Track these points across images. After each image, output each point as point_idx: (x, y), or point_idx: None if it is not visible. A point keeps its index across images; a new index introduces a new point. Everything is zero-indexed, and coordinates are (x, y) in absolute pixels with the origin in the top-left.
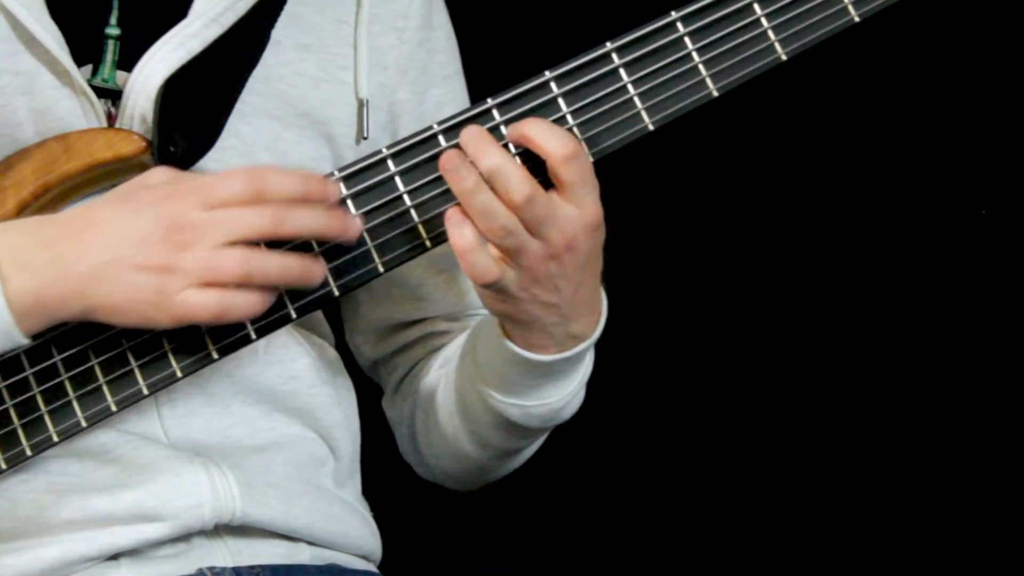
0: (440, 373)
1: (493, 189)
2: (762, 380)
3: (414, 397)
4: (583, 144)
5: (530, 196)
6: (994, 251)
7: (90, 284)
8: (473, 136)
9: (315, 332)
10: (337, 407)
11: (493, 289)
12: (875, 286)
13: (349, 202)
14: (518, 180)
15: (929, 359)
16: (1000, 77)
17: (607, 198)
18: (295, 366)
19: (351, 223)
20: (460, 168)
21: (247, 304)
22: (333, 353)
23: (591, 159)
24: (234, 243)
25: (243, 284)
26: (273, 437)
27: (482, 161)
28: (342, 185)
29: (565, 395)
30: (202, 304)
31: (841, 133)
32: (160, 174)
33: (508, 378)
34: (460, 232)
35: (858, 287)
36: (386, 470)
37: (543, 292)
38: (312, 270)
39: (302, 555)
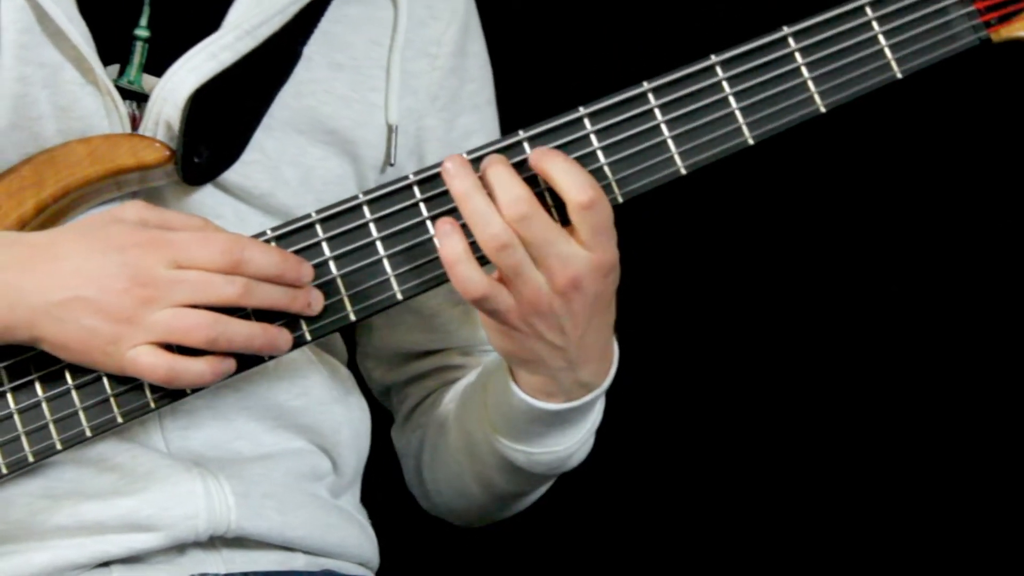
0: (451, 408)
1: (494, 201)
2: (763, 381)
3: (423, 429)
4: (613, 184)
5: (527, 214)
6: (994, 251)
7: (42, 318)
8: (493, 159)
9: (328, 350)
10: (347, 426)
11: (488, 310)
12: (875, 287)
13: (371, 226)
14: (517, 195)
15: (930, 360)
16: (1000, 80)
17: None
18: (306, 383)
19: (314, 298)
20: (461, 171)
21: (197, 374)
22: (345, 371)
23: (620, 199)
24: (196, 306)
25: (206, 349)
26: (275, 451)
27: (487, 170)
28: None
29: (572, 444)
30: (152, 365)
31: (842, 134)
32: (134, 209)
33: (515, 424)
34: (449, 242)
35: (858, 289)
36: (385, 477)
37: (547, 329)
38: (277, 339)
39: (296, 562)
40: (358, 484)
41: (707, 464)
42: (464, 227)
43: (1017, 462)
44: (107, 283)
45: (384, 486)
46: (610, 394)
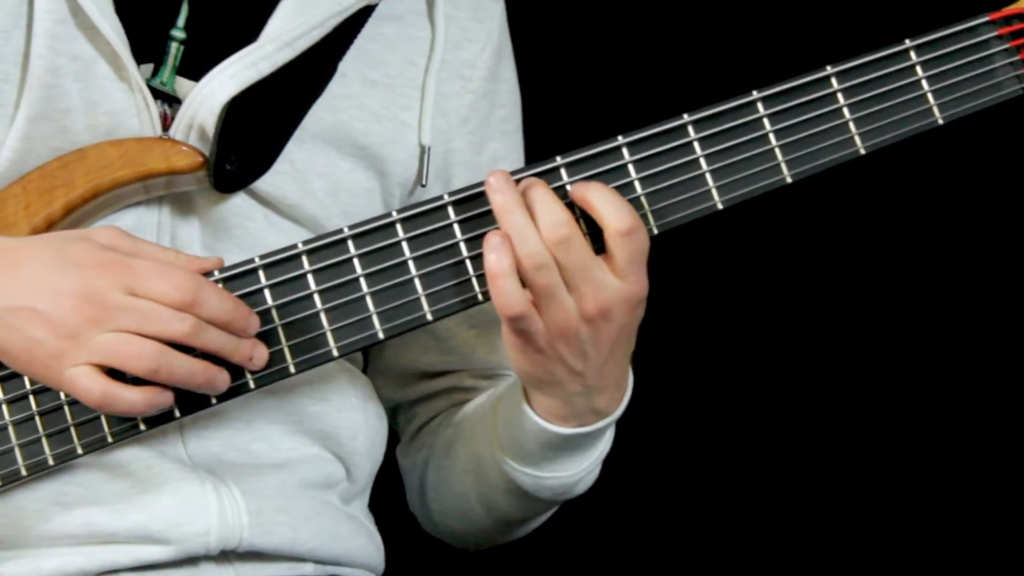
0: (460, 428)
1: (534, 220)
2: (764, 383)
3: (429, 449)
4: (649, 215)
5: (567, 236)
6: (995, 252)
7: None
8: (530, 179)
9: (348, 358)
10: (363, 433)
11: (518, 330)
12: (876, 289)
13: (404, 244)
14: (559, 218)
15: (931, 363)
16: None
17: None
18: (326, 387)
19: (257, 354)
20: (504, 185)
21: (132, 402)
22: (364, 379)
23: (656, 231)
24: (143, 336)
25: (146, 379)
26: (292, 456)
27: (529, 191)
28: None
29: (580, 470)
30: (88, 388)
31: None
32: (110, 235)
33: (525, 446)
34: (497, 255)
35: (858, 291)
36: (392, 483)
37: (570, 354)
38: (217, 379)
39: (304, 569)
40: (368, 490)
41: (708, 466)
42: None
43: (1017, 462)
44: (59, 298)
45: (391, 491)
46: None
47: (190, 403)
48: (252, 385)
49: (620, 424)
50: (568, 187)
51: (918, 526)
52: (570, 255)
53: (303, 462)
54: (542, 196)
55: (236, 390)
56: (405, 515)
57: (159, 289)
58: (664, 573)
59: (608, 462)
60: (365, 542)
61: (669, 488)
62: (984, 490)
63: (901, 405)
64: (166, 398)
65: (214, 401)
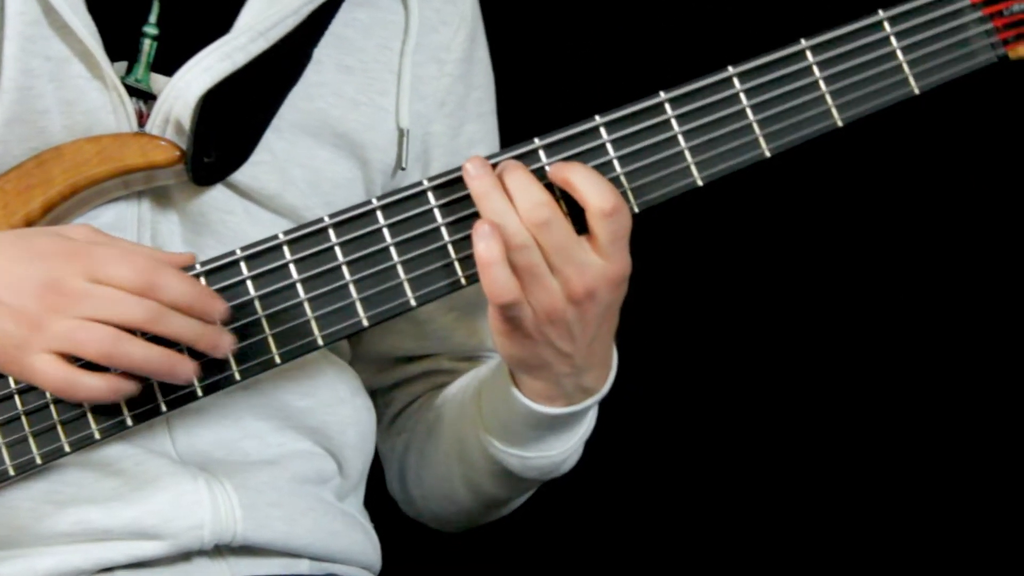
0: (441, 412)
1: (512, 203)
2: (763, 383)
3: (409, 433)
4: (629, 194)
5: (547, 218)
6: (995, 252)
7: None
8: (507, 161)
9: (335, 350)
10: (353, 427)
11: (507, 317)
12: (875, 288)
13: (385, 231)
14: (537, 199)
15: (931, 364)
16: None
17: None
18: (313, 383)
19: (223, 341)
20: (481, 171)
21: (92, 388)
22: (351, 372)
23: (636, 209)
24: (104, 323)
25: (103, 364)
26: (282, 452)
27: (506, 174)
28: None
29: (566, 449)
30: (49, 374)
31: (841, 134)
32: (81, 231)
33: (512, 427)
34: (486, 244)
35: (858, 289)
36: (390, 493)
37: (558, 337)
38: (178, 367)
39: (301, 567)
40: (363, 486)
41: (706, 466)
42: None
43: (1017, 462)
44: (22, 288)
45: (385, 494)
46: (610, 396)
47: (175, 397)
48: (238, 377)
49: (620, 424)
50: (547, 168)
51: (917, 525)
52: (552, 236)
53: (294, 457)
54: (519, 178)
55: (221, 382)
56: (402, 514)
57: (118, 274)
58: (663, 573)
59: (608, 462)
60: (361, 539)
61: (668, 490)
62: (983, 487)
63: (898, 405)
64: (129, 386)
65: (200, 394)
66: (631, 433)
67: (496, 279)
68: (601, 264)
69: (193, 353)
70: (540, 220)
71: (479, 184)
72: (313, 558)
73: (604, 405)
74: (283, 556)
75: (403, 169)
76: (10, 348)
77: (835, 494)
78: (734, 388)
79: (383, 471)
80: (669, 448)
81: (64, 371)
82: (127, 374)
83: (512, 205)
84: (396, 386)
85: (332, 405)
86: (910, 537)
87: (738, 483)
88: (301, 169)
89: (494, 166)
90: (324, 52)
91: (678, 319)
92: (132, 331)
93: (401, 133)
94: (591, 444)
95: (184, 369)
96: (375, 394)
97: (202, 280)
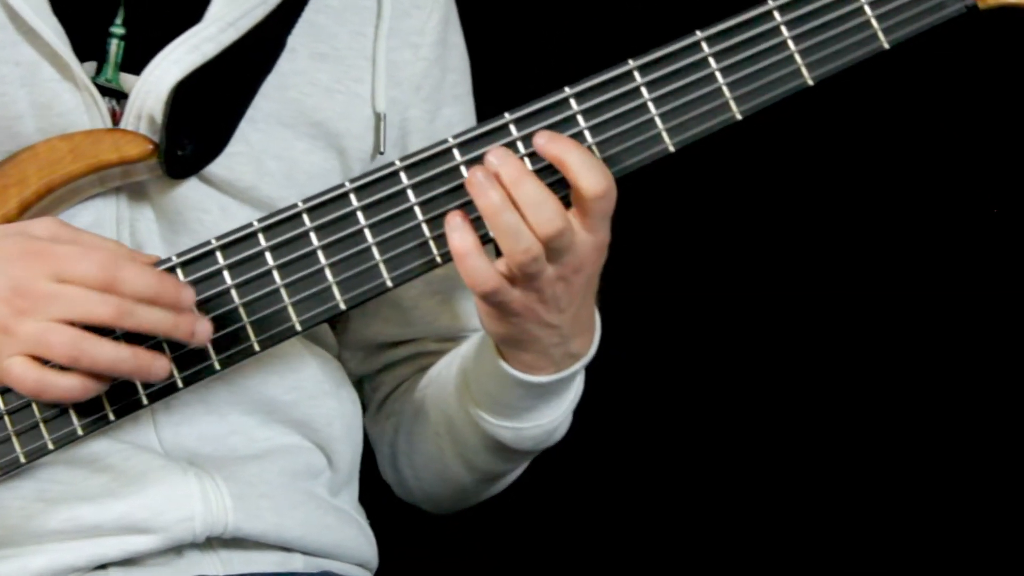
0: (426, 393)
1: (523, 216)
2: (761, 381)
3: (398, 416)
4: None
5: (563, 229)
6: (995, 252)
7: None
8: (504, 159)
9: (319, 343)
10: (339, 419)
11: (492, 302)
12: (875, 286)
13: (359, 213)
14: (553, 213)
15: (928, 359)
16: (1003, 76)
17: None
18: (297, 376)
19: (199, 328)
20: (487, 185)
21: (65, 388)
22: (336, 363)
23: None
24: (71, 323)
25: (69, 366)
26: (270, 446)
27: (517, 188)
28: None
29: (558, 416)
30: (22, 376)
31: (841, 130)
32: (46, 226)
33: (503, 400)
34: (460, 236)
35: (857, 287)
36: (383, 480)
37: (546, 312)
38: (150, 366)
39: (295, 563)
40: (355, 482)
41: (706, 464)
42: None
43: (1017, 462)
44: None
45: (382, 486)
46: (609, 395)
47: (156, 389)
48: (218, 366)
49: (619, 424)
50: (537, 139)
51: (917, 525)
52: (563, 241)
53: (282, 451)
54: (532, 192)
55: (202, 372)
56: (399, 512)
57: (81, 271)
58: (662, 573)
59: (607, 461)
60: (355, 534)
61: (669, 489)
62: (982, 487)
63: (895, 401)
64: (101, 385)
65: (180, 385)
66: (629, 429)
67: (476, 269)
68: (590, 239)
69: (173, 345)
70: (555, 232)
71: (487, 203)
72: (307, 552)
73: (600, 399)
74: (276, 550)
75: (381, 154)
76: None
77: (826, 484)
78: (730, 383)
79: (377, 467)
80: (666, 444)
81: (36, 373)
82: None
83: (523, 218)
84: (383, 371)
85: (317, 398)
86: (910, 537)
87: (734, 479)
88: (277, 161)
89: (466, 144)
90: (297, 40)
91: (676, 315)
92: (107, 331)
93: (378, 118)
94: (588, 439)
95: (158, 367)
96: (362, 381)
97: (178, 272)
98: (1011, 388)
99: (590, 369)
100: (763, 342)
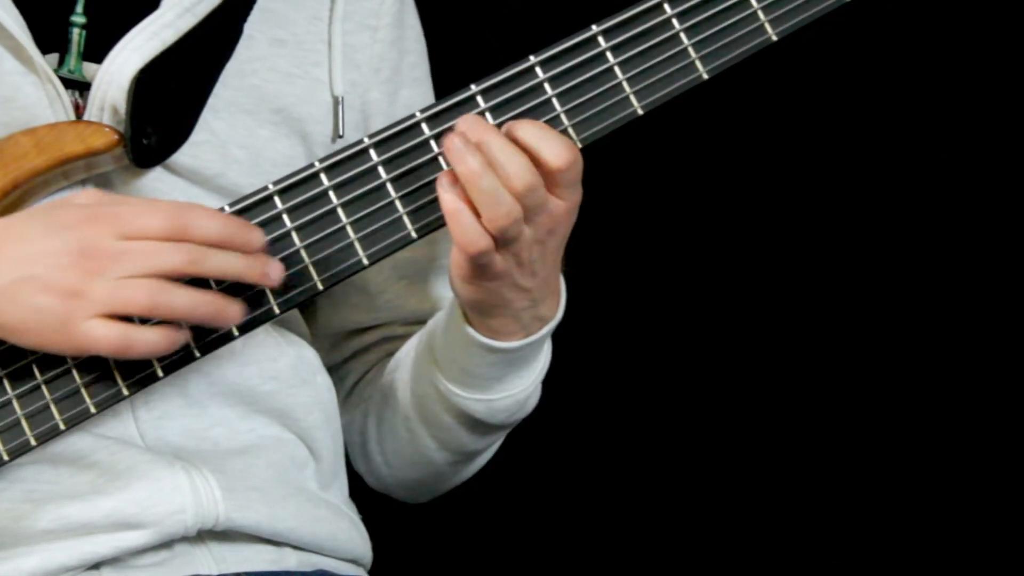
0: (395, 376)
1: (499, 178)
2: (760, 381)
3: (367, 403)
4: (571, 130)
5: (532, 184)
6: (995, 252)
7: None
8: (472, 123)
9: (293, 331)
10: (317, 408)
11: (478, 264)
12: (873, 285)
13: (331, 192)
14: (521, 167)
15: (928, 358)
16: (1001, 74)
17: (596, 192)
18: (274, 366)
19: (271, 269)
20: (465, 150)
21: (150, 342)
22: (311, 351)
23: (580, 145)
24: (146, 276)
25: (148, 317)
26: (252, 439)
27: (487, 147)
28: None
29: (528, 384)
30: (104, 336)
31: (840, 129)
32: (89, 195)
33: (472, 371)
34: (451, 195)
35: (854, 285)
36: (354, 467)
37: (521, 275)
38: (226, 310)
39: (288, 561)
40: (344, 477)
41: (704, 462)
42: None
43: (1017, 462)
44: (55, 260)
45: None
46: (607, 394)
47: (137, 379)
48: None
49: (618, 424)
50: (488, 117)
51: (916, 525)
52: (536, 198)
53: (265, 444)
54: (500, 149)
55: (180, 360)
56: (393, 509)
57: (149, 224)
58: (662, 572)
59: (605, 461)
60: (347, 527)
61: (667, 489)
62: (982, 487)
63: (895, 402)
64: (182, 336)
65: (160, 374)
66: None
67: (467, 227)
68: (563, 205)
69: (235, 291)
70: (525, 187)
71: (465, 163)
72: (300, 546)
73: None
74: (269, 545)
75: (341, 137)
76: (56, 323)
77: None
78: (727, 379)
79: None
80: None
81: (119, 330)
82: (178, 324)
83: (499, 178)
84: (351, 358)
85: (295, 386)
86: (910, 536)
87: (733, 478)
88: (242, 149)
89: (434, 118)
90: (255, 27)
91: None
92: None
93: (336, 101)
94: (582, 434)
95: (233, 310)
96: (330, 371)
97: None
98: (1011, 388)
99: (588, 366)
100: (760, 338)
